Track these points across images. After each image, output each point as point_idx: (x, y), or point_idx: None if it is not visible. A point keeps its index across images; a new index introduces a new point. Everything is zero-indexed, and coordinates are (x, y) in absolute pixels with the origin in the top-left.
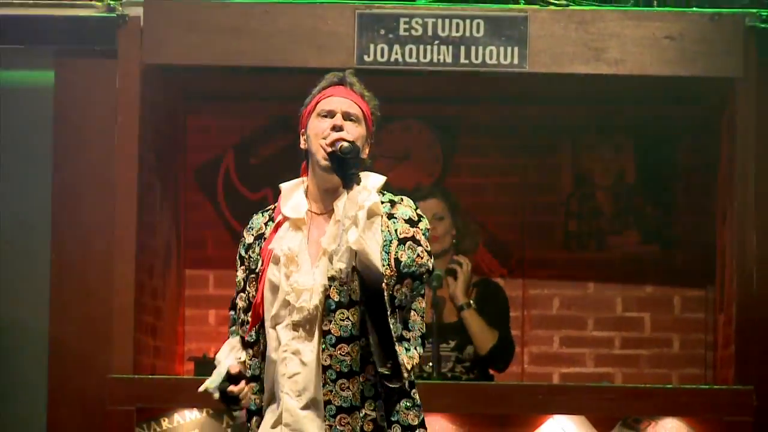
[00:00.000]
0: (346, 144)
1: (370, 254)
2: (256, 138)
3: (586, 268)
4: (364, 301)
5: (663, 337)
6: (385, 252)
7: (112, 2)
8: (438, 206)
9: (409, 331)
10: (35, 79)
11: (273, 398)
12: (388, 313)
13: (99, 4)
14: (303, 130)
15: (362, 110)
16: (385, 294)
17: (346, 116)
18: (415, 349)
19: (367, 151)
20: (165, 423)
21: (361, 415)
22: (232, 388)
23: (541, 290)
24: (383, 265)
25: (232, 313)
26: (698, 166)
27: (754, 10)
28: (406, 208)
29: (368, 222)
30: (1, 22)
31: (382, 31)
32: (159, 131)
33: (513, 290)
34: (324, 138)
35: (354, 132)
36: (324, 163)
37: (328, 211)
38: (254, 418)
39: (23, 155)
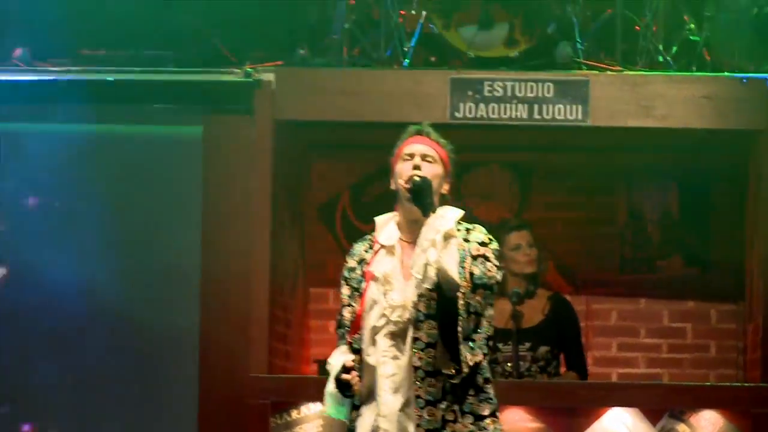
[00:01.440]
0: (417, 178)
1: (449, 269)
2: (366, 181)
3: (639, 287)
4: (438, 310)
5: (702, 343)
6: (461, 267)
7: (249, 69)
8: (530, 237)
9: (478, 333)
10: (185, 133)
11: (369, 397)
12: (461, 318)
13: (238, 70)
14: (393, 173)
15: (438, 153)
16: (461, 302)
17: (423, 157)
18: (480, 349)
19: (446, 187)
20: (294, 414)
21: (443, 406)
22: (344, 375)
23: (601, 305)
24: (460, 277)
25: (340, 330)
26: (730, 203)
27: None
28: (479, 233)
29: (445, 243)
30: (156, 86)
31: (470, 93)
32: (288, 175)
33: (578, 305)
34: (407, 179)
35: (430, 170)
36: (406, 196)
37: (415, 240)
38: (354, 413)
39: (176, 194)
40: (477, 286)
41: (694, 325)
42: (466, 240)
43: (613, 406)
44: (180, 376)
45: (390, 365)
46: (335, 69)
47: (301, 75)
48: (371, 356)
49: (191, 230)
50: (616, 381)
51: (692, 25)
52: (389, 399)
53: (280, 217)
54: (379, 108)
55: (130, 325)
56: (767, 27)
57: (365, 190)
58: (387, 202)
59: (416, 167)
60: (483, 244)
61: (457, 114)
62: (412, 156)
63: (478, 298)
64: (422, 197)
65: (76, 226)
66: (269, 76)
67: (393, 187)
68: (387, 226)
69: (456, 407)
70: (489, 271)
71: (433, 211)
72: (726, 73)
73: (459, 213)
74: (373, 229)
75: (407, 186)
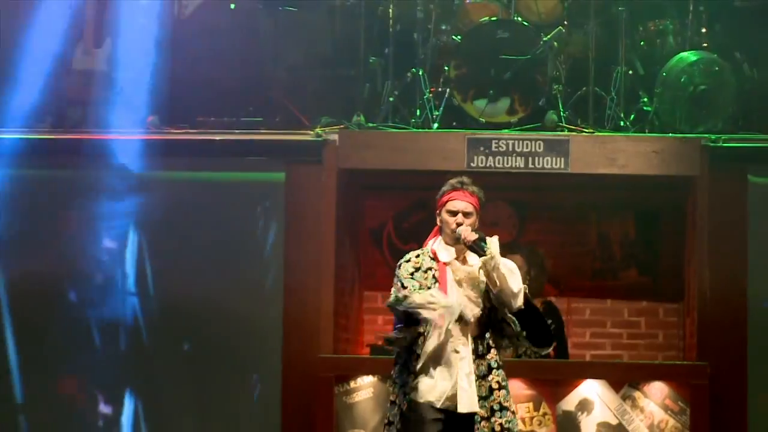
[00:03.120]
0: (470, 235)
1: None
2: (405, 212)
3: (605, 291)
4: (507, 313)
5: (652, 332)
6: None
7: (319, 131)
8: (521, 259)
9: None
10: (272, 179)
11: (427, 369)
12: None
13: (311, 132)
14: (438, 212)
15: (473, 205)
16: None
17: (465, 215)
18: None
19: (476, 224)
20: (352, 384)
21: (489, 378)
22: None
23: (578, 304)
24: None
25: (400, 293)
26: (673, 230)
27: (706, 135)
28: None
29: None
30: (250, 144)
31: (482, 148)
32: (347, 207)
33: (561, 305)
34: (452, 229)
35: (469, 222)
36: (453, 239)
37: (459, 257)
38: (411, 377)
39: (265, 225)
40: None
41: (647, 319)
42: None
43: (587, 378)
44: (269, 356)
45: (460, 351)
46: (382, 131)
47: (357, 135)
48: (434, 338)
49: (276, 249)
50: (589, 360)
51: (645, 99)
52: (463, 375)
53: (342, 239)
54: (415, 159)
55: (235, 320)
56: (701, 101)
57: (404, 219)
58: (420, 228)
59: (458, 223)
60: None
61: (472, 164)
62: (454, 213)
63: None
64: (479, 248)
65: (193, 243)
66: (334, 136)
67: (438, 223)
68: (437, 246)
69: (495, 380)
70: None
71: (485, 253)
72: (670, 134)
73: (497, 242)
74: (412, 248)
75: (467, 240)
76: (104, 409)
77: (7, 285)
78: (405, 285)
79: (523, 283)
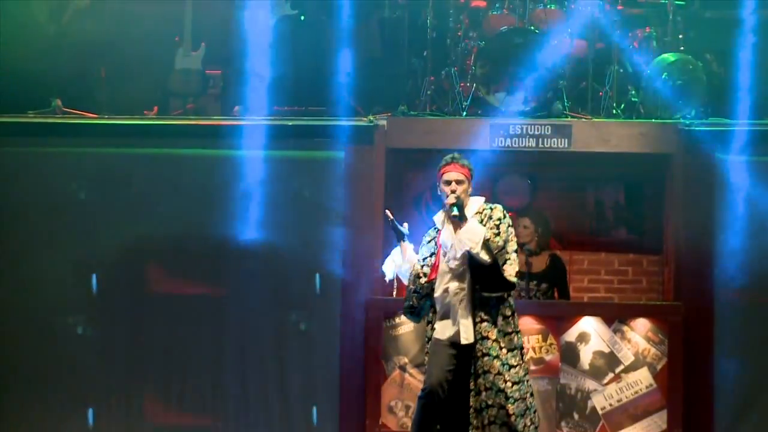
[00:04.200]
0: (453, 200)
1: (475, 249)
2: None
3: (600, 246)
4: (479, 263)
5: (638, 279)
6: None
7: (371, 118)
8: (529, 221)
9: (505, 266)
10: (334, 156)
11: (439, 315)
12: (489, 261)
13: (365, 119)
14: (438, 185)
15: (464, 175)
16: (491, 252)
17: (457, 182)
18: (512, 269)
19: (470, 189)
20: (396, 320)
21: (476, 314)
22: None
23: (578, 256)
24: (492, 234)
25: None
26: (655, 196)
27: (682, 121)
28: (497, 211)
29: (472, 220)
30: (318, 128)
31: (501, 132)
32: (393, 178)
33: (565, 256)
34: (447, 196)
35: (460, 188)
36: (448, 208)
37: (452, 223)
38: (429, 327)
39: (330, 193)
40: (486, 245)
41: (633, 268)
42: (489, 216)
43: (585, 315)
44: (332, 297)
45: (458, 296)
46: (422, 118)
47: (401, 121)
48: (440, 289)
49: (338, 211)
50: (586, 301)
51: (633, 92)
52: (464, 315)
53: (388, 204)
54: (448, 140)
55: (304, 268)
56: (677, 93)
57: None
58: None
59: (452, 190)
60: (498, 219)
61: (493, 144)
62: (449, 182)
63: (495, 248)
64: (459, 212)
65: (274, 208)
66: (383, 122)
67: (439, 192)
68: (437, 216)
69: (493, 319)
70: (494, 237)
71: (465, 220)
72: (653, 120)
73: (480, 200)
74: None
75: (450, 203)
76: None
77: None
78: (419, 259)
79: (532, 239)
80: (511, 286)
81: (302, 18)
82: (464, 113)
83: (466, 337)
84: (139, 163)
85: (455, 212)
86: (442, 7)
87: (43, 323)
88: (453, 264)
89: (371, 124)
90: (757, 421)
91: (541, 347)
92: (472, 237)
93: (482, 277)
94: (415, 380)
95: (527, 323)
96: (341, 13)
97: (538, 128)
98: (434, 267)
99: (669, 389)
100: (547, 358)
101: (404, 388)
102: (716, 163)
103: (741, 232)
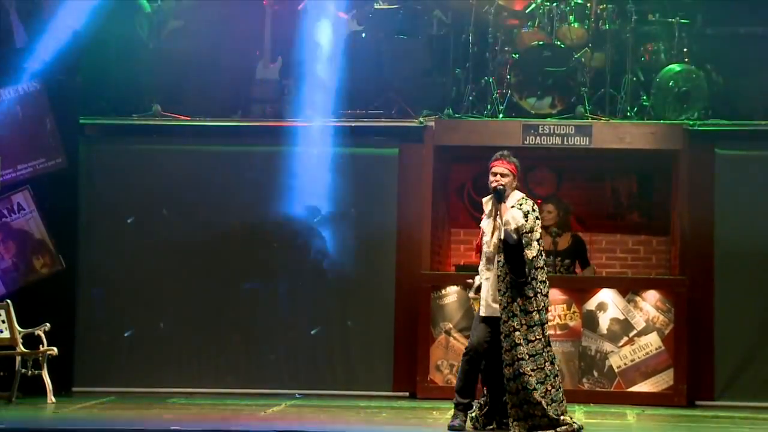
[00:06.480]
0: (500, 187)
1: (511, 228)
2: (479, 175)
3: (616, 228)
4: (509, 245)
5: (648, 256)
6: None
7: (421, 119)
8: (552, 206)
9: (527, 250)
10: (389, 153)
11: (478, 291)
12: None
13: (416, 120)
14: (490, 176)
15: (508, 169)
16: (519, 234)
17: (501, 174)
18: (530, 251)
19: (515, 184)
20: (443, 291)
21: (503, 292)
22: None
23: (597, 237)
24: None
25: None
26: (664, 185)
27: (687, 122)
28: (527, 204)
29: (512, 209)
30: (376, 128)
31: (532, 131)
32: (440, 172)
33: (585, 237)
34: (492, 184)
35: (504, 180)
36: (492, 192)
37: (495, 207)
38: (474, 299)
39: (385, 185)
40: (518, 231)
41: (644, 248)
42: (520, 207)
43: (603, 288)
44: (388, 272)
45: (487, 274)
46: (464, 119)
47: (447, 123)
48: (480, 271)
49: (392, 200)
50: (604, 276)
51: (645, 97)
52: (486, 293)
53: (436, 193)
54: (486, 139)
55: (365, 249)
56: (683, 98)
57: (479, 180)
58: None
59: (496, 181)
60: (527, 211)
61: (525, 142)
62: (495, 174)
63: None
64: (500, 197)
65: (344, 196)
66: (431, 123)
67: (489, 182)
68: (486, 200)
69: (515, 299)
70: (523, 225)
71: (505, 201)
72: (661, 121)
73: (519, 195)
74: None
75: (493, 188)
76: None
77: None
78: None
79: (554, 222)
80: (528, 264)
81: (363, 35)
82: (500, 115)
83: (491, 313)
84: (225, 160)
85: (496, 197)
86: (481, 25)
87: (140, 300)
88: (496, 239)
89: (421, 125)
90: (750, 379)
91: (565, 315)
92: (515, 215)
93: (511, 259)
94: (459, 343)
95: (554, 294)
96: (397, 30)
97: (563, 128)
98: (479, 245)
99: (675, 351)
100: (571, 324)
101: (449, 349)
102: (716, 158)
103: (737, 216)
